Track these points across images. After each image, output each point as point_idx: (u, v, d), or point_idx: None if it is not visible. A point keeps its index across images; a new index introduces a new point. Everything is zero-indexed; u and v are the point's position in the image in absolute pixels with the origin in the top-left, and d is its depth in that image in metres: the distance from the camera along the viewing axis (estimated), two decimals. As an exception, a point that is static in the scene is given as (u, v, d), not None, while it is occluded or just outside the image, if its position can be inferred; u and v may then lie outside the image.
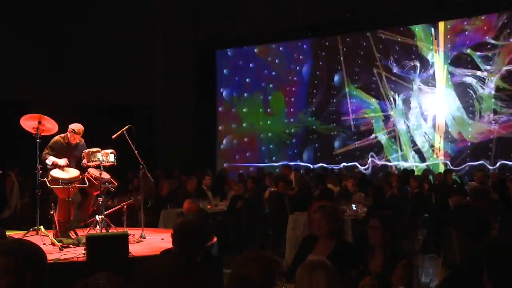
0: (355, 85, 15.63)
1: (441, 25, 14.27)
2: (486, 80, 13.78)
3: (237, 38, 17.21)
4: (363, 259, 3.98)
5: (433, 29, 14.36)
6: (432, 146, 14.61)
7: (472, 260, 3.67)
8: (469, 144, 14.03)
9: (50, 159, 6.52)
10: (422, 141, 14.75)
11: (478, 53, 13.77)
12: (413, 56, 14.74)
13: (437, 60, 14.48)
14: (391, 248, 3.86)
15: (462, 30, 14.03)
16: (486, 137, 13.78)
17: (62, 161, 6.55)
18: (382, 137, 15.29)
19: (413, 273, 3.88)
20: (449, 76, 14.31)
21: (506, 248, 2.42)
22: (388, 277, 3.66)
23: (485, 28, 13.77)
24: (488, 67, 13.69)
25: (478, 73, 13.84)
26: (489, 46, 13.66)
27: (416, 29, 14.65)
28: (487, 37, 13.67)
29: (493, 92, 13.71)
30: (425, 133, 14.73)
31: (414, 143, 14.86)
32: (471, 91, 13.97)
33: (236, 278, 2.72)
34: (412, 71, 14.76)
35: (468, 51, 13.91)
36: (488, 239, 2.96)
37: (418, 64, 14.66)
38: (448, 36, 14.23)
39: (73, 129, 6.67)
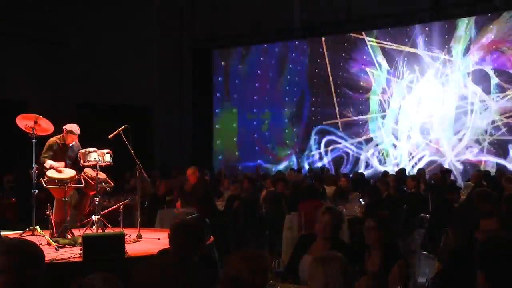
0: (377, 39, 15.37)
1: (485, 32, 13.71)
2: (488, 109, 13.55)
3: (234, 38, 17.22)
4: (360, 259, 3.98)
5: (474, 31, 13.84)
6: (409, 137, 14.66)
7: (460, 253, 3.69)
8: (438, 157, 14.11)
9: (48, 163, 6.52)
10: (402, 127, 14.83)
11: (498, 79, 13.42)
12: (442, 46, 14.29)
13: (460, 62, 14.08)
14: (388, 248, 3.86)
15: (498, 49, 13.54)
16: (458, 158, 13.81)
17: (59, 164, 6.55)
18: (374, 98, 15.31)
19: (409, 273, 3.88)
20: (461, 84, 14.00)
21: (503, 248, 2.42)
22: (384, 277, 3.66)
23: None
24: (498, 98, 13.43)
25: (486, 98, 13.57)
26: (510, 78, 13.34)
27: (460, 23, 14.07)
28: None
29: (488, 123, 13.56)
30: (410, 122, 14.78)
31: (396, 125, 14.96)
32: (469, 111, 13.77)
33: (228, 279, 2.71)
34: (433, 59, 14.45)
35: (491, 72, 13.53)
36: (485, 239, 2.96)
37: (442, 56, 14.29)
38: (483, 48, 13.73)
39: (70, 130, 6.67)
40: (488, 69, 13.63)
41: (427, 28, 14.53)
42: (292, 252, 4.49)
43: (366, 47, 15.46)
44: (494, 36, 13.61)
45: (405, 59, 14.83)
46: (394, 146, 15.01)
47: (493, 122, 13.53)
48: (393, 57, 15.03)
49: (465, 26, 14.00)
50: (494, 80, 13.50)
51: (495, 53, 13.60)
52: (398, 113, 15.00)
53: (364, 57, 15.50)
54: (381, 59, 15.21)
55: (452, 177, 12.15)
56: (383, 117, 15.23)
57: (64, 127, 6.74)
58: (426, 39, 14.50)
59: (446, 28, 14.29)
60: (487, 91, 13.59)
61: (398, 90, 15.02)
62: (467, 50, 13.93)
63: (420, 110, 14.70)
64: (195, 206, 7.99)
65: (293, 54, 16.95)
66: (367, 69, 15.41)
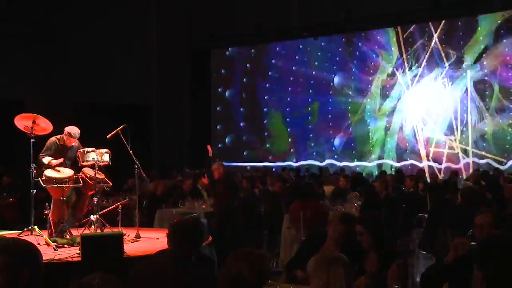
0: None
1: (501, 44, 13.43)
2: (484, 121, 13.44)
3: (232, 38, 17.23)
4: (358, 259, 3.98)
5: (492, 41, 13.51)
6: (401, 128, 14.67)
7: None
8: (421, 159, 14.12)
9: (47, 159, 6.54)
10: (397, 119, 14.84)
11: (500, 95, 13.22)
12: (456, 47, 14.01)
13: (469, 69, 13.76)
14: (385, 248, 3.86)
15: (508, 65, 13.30)
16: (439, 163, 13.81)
17: (56, 161, 6.56)
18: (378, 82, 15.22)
19: (408, 273, 3.88)
20: (464, 90, 13.84)
21: (500, 247, 2.43)
22: (383, 277, 3.66)
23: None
24: (495, 113, 13.28)
25: (487, 114, 13.41)
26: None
27: (481, 26, 13.73)
28: None
29: (480, 136, 13.48)
30: (405, 116, 14.79)
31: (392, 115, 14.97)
32: (465, 118, 13.68)
33: (228, 279, 2.71)
34: (445, 59, 14.21)
35: (496, 86, 13.33)
36: (482, 239, 2.96)
37: (454, 57, 14.01)
38: (495, 60, 13.44)
39: (69, 133, 6.66)
40: (494, 82, 13.48)
41: (443, 27, 14.34)
42: (299, 250, 4.45)
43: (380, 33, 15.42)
44: (509, 51, 13.37)
45: (417, 52, 14.71)
46: (385, 136, 15.04)
47: (483, 136, 13.48)
48: (406, 48, 14.90)
49: (483, 33, 13.67)
50: (496, 94, 13.37)
51: (505, 67, 13.40)
52: (395, 104, 15.01)
53: (378, 37, 15.44)
54: (394, 45, 15.10)
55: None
56: (383, 97, 15.21)
57: (65, 128, 6.74)
58: (442, 36, 14.33)
59: (465, 31, 14.02)
60: (487, 104, 13.50)
61: (402, 80, 14.94)
62: (479, 57, 13.70)
63: (418, 107, 14.70)
64: (220, 192, 8.18)
65: (292, 53, 16.95)
66: (378, 51, 15.32)
